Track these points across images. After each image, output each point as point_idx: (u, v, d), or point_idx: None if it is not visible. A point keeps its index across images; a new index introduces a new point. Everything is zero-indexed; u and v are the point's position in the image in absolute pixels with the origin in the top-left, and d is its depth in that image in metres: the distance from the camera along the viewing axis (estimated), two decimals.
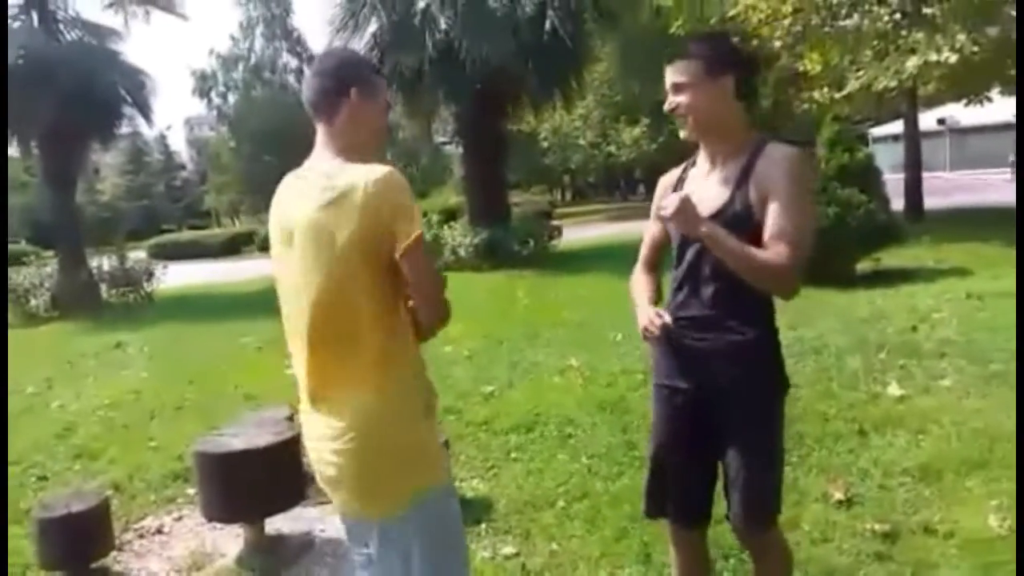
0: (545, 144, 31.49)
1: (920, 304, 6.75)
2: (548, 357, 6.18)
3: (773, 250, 1.82)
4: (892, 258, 8.73)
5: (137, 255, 17.11)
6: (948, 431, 3.76)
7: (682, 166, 2.16)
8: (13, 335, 10.92)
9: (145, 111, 15.14)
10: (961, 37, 9.86)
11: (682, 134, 2.00)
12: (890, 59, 10.86)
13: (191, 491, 3.88)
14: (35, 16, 14.06)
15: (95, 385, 6.93)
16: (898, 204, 11.04)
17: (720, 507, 2.13)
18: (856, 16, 11.99)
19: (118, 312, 12.68)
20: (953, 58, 9.82)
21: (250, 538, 3.27)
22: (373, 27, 13.66)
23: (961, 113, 20.80)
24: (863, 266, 8.52)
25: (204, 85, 40.04)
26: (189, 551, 3.36)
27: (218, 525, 3.48)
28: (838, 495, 3.19)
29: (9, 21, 13.56)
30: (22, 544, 3.45)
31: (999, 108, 14.93)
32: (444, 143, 33.29)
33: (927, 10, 10.99)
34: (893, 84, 10.77)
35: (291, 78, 39.86)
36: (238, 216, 42.31)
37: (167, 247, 29.03)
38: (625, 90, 26.75)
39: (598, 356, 5.91)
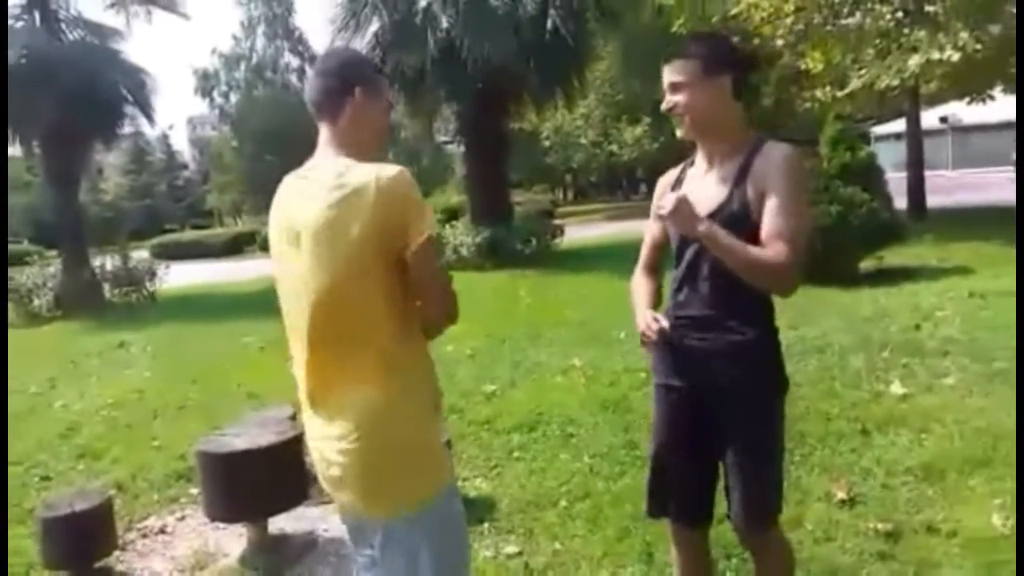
0: (547, 143, 31.47)
1: (923, 303, 6.75)
2: (550, 356, 6.18)
3: (771, 248, 1.82)
4: (895, 257, 8.71)
5: (140, 255, 17.14)
6: (951, 430, 3.76)
7: (680, 166, 2.16)
8: (16, 335, 10.94)
9: (147, 111, 15.16)
10: (963, 35, 9.85)
11: (679, 133, 2.01)
12: (892, 57, 10.85)
13: (194, 491, 3.89)
14: (37, 16, 14.08)
15: (98, 385, 6.94)
16: (901, 203, 11.02)
17: (722, 506, 2.13)
18: (858, 14, 11.97)
19: (121, 312, 12.70)
20: (955, 56, 9.80)
21: (253, 537, 3.28)
22: (375, 26, 13.67)
23: (964, 111, 20.76)
24: (866, 265, 8.51)
25: (206, 84, 40.15)
26: (192, 550, 3.37)
27: (221, 525, 3.49)
28: (841, 494, 3.18)
29: (11, 21, 13.60)
30: (26, 544, 3.46)
31: (1001, 106, 14.88)
32: (446, 142, 33.28)
33: (929, 8, 10.97)
34: (895, 82, 10.76)
35: (293, 77, 39.97)
36: (240, 216, 42.35)
37: (170, 247, 29.03)
38: (627, 89, 26.72)
39: (601, 355, 5.91)
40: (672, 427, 2.10)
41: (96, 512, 3.13)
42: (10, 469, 4.58)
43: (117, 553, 3.36)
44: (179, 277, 15.69)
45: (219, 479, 3.18)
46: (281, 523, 3.42)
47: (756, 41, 13.30)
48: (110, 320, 11.65)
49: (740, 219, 1.88)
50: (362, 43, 13.46)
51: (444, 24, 12.95)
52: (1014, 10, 10.05)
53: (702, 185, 1.99)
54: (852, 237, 7.97)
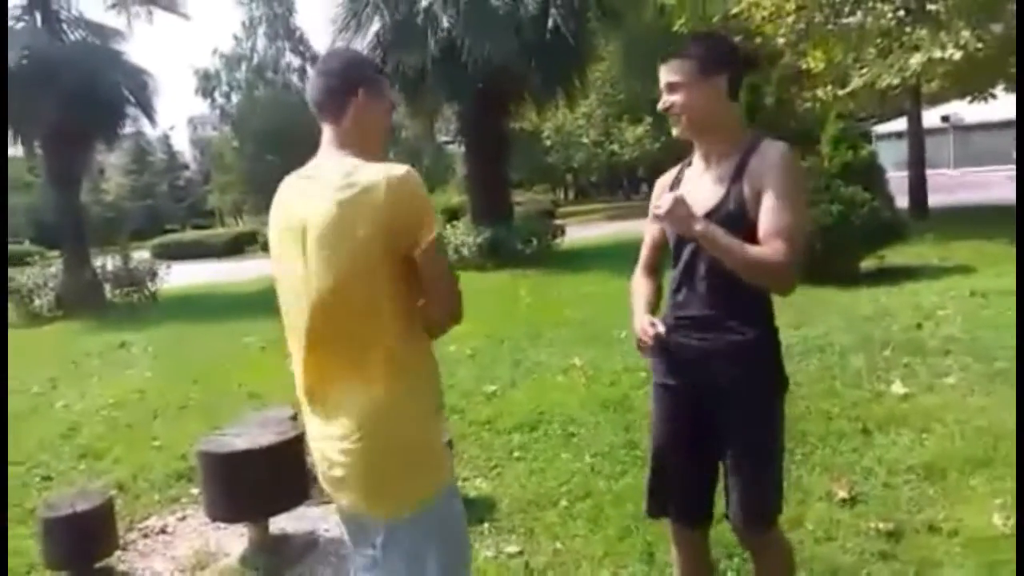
0: (548, 143, 31.46)
1: (924, 302, 6.74)
2: (551, 356, 6.18)
3: (770, 247, 1.82)
4: (896, 256, 8.71)
5: (141, 255, 17.17)
6: (952, 429, 3.76)
7: (678, 166, 2.16)
8: (17, 335, 10.95)
9: (148, 111, 15.18)
10: (965, 34, 9.84)
11: (675, 132, 2.01)
12: (894, 56, 10.84)
13: (195, 491, 3.89)
14: (38, 16, 14.09)
15: (99, 385, 6.95)
16: (902, 202, 11.01)
17: (722, 506, 2.13)
18: (859, 13, 11.96)
19: (122, 312, 12.71)
20: (957, 55, 9.79)
21: (254, 537, 3.28)
22: (376, 26, 13.67)
23: (965, 110, 20.74)
24: (867, 264, 8.50)
25: (207, 85, 40.20)
26: (193, 550, 3.37)
27: (222, 524, 3.49)
28: (842, 494, 3.18)
29: (13, 22, 13.62)
30: (27, 544, 3.47)
31: (1003, 105, 14.85)
32: (447, 142, 33.32)
33: (931, 7, 10.97)
34: (897, 81, 10.75)
35: (294, 77, 40.01)
36: (241, 216, 42.38)
37: (171, 247, 29.06)
38: (628, 89, 26.73)
39: (601, 354, 5.90)
40: (672, 427, 2.10)
41: (97, 512, 3.13)
42: (11, 469, 4.58)
43: (118, 553, 3.36)
44: (180, 277, 15.70)
45: (220, 479, 3.18)
46: (282, 523, 3.42)
47: (757, 40, 13.30)
48: (111, 320, 11.66)
49: (737, 218, 1.88)
50: (363, 43, 13.47)
51: (445, 24, 12.94)
52: (1015, 8, 10.04)
53: (699, 185, 1.99)
54: (853, 236, 7.97)
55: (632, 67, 23.99)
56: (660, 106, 1.98)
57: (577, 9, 13.55)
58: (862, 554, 2.76)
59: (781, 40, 12.80)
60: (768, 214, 1.84)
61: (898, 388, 4.43)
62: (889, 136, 24.56)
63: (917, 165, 15.31)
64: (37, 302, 13.01)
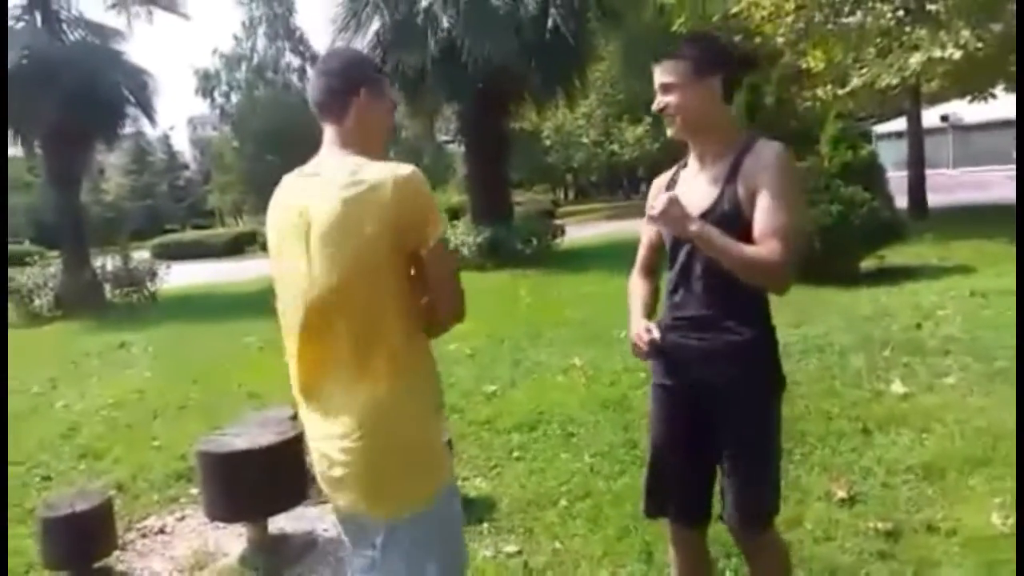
0: (548, 143, 31.48)
1: (924, 302, 6.74)
2: (551, 356, 6.18)
3: (765, 246, 1.82)
4: (896, 256, 8.71)
5: (141, 255, 17.16)
6: (951, 429, 3.76)
7: (674, 168, 2.16)
8: (17, 335, 10.95)
9: (148, 111, 15.18)
10: (965, 33, 9.84)
11: (669, 132, 2.01)
12: (893, 56, 10.84)
13: (194, 491, 3.89)
14: (38, 16, 14.09)
15: (99, 385, 6.95)
16: (902, 201, 11.01)
17: (720, 507, 2.13)
18: (859, 13, 11.97)
19: (122, 312, 12.71)
20: (957, 54, 9.80)
21: (253, 537, 3.28)
22: (375, 26, 13.66)
23: (965, 110, 20.73)
24: (867, 264, 8.50)
25: (207, 85, 40.22)
26: (192, 550, 3.37)
27: (221, 524, 3.49)
28: (841, 493, 3.18)
29: (12, 21, 13.62)
30: (26, 543, 3.47)
31: (1003, 105, 14.85)
32: (447, 142, 33.32)
33: (930, 6, 10.97)
34: (896, 81, 10.75)
35: (294, 77, 40.04)
36: (241, 216, 42.39)
37: (170, 247, 29.06)
38: (628, 89, 26.71)
39: (601, 354, 5.90)
40: (670, 427, 2.10)
41: (96, 512, 3.14)
42: (11, 469, 4.58)
43: (117, 553, 3.36)
44: (180, 277, 15.70)
45: (219, 479, 3.18)
46: (281, 523, 3.42)
47: (757, 40, 13.29)
48: (111, 320, 11.66)
49: (732, 218, 1.88)
50: (363, 43, 13.46)
51: (445, 24, 12.94)
52: (1015, 8, 10.04)
53: (694, 186, 2.00)
54: (853, 236, 7.97)
55: (632, 67, 23.98)
56: (654, 107, 1.98)
57: (577, 9, 13.55)
58: (861, 554, 2.76)
59: (781, 40, 12.80)
60: (763, 214, 1.85)
61: (898, 388, 4.43)
62: (889, 136, 24.56)
63: (917, 165, 15.31)
64: (37, 302, 13.01)
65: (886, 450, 3.62)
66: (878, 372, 4.79)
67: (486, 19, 12.54)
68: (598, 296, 8.68)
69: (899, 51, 10.80)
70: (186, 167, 58.87)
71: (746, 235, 1.85)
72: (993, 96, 13.95)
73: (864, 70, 11.35)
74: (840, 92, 12.11)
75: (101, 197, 44.65)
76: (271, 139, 30.15)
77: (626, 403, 4.67)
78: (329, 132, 1.70)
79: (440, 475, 1.69)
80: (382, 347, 1.59)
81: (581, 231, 18.33)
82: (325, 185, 1.59)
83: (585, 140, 30.65)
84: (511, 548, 3.06)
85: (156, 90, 15.11)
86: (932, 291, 7.17)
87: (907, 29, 11.03)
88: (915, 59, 10.24)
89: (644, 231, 2.22)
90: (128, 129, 16.01)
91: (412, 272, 1.63)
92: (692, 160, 2.07)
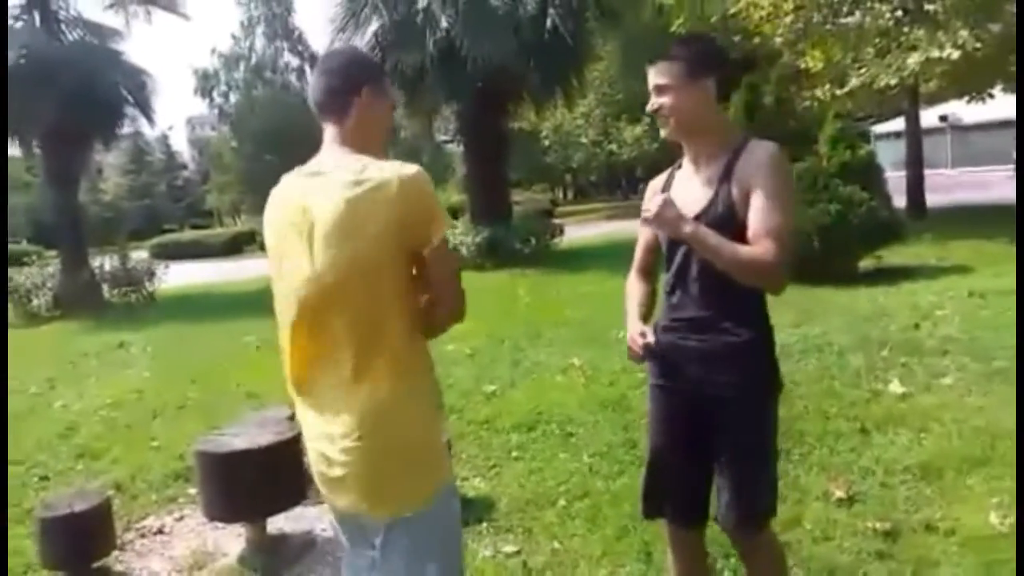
0: (546, 142, 31.47)
1: (922, 302, 6.74)
2: (550, 356, 6.19)
3: (759, 246, 1.82)
4: (894, 256, 8.71)
5: (139, 255, 17.13)
6: (950, 429, 3.76)
7: (669, 170, 2.17)
8: (16, 335, 10.94)
9: (147, 111, 15.17)
10: (963, 33, 9.86)
11: (663, 133, 2.01)
12: (892, 56, 10.86)
13: (192, 491, 3.89)
14: (37, 16, 14.08)
15: (97, 385, 6.94)
16: (900, 201, 11.02)
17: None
18: (858, 13, 11.98)
19: (120, 312, 12.70)
20: (955, 55, 9.81)
21: (252, 537, 3.28)
22: (374, 26, 13.67)
23: (963, 110, 20.75)
24: (865, 264, 8.51)
25: (206, 84, 40.21)
26: (191, 550, 3.36)
27: (220, 525, 3.49)
28: (839, 493, 3.18)
29: (11, 21, 13.60)
30: (24, 544, 3.46)
31: (1001, 105, 14.88)
32: (446, 141, 33.33)
33: (929, 7, 10.98)
34: (895, 81, 10.77)
35: (292, 77, 40.04)
36: (240, 216, 42.37)
37: (169, 247, 29.06)
38: (627, 88, 26.68)
39: (600, 354, 5.90)
40: (667, 427, 2.10)
41: (95, 512, 3.13)
42: (10, 469, 4.58)
43: (115, 553, 3.35)
44: (178, 277, 15.69)
45: (218, 479, 3.17)
46: (279, 523, 3.42)
47: (755, 40, 13.31)
48: (109, 320, 11.65)
49: (726, 219, 1.88)
50: (362, 43, 13.46)
51: (444, 24, 12.94)
52: (1014, 8, 10.05)
53: (688, 187, 2.00)
54: (851, 236, 7.98)
55: (630, 67, 23.94)
56: (649, 108, 1.99)
57: (575, 9, 13.56)
58: (859, 553, 2.76)
59: (779, 40, 12.82)
60: (757, 214, 1.85)
61: (896, 388, 4.44)
62: (887, 136, 24.58)
63: (915, 165, 15.33)
64: (35, 302, 13.00)
65: (884, 450, 3.62)
66: (876, 372, 4.80)
67: (485, 19, 12.55)
68: (597, 296, 8.69)
69: (897, 51, 10.82)
70: (184, 167, 58.83)
71: (740, 236, 1.85)
72: (991, 96, 13.99)
73: (863, 70, 11.37)
74: (838, 92, 12.13)
75: (99, 197, 44.63)
76: (270, 139, 30.11)
77: (625, 403, 4.67)
78: (330, 131, 1.69)
79: (440, 475, 1.69)
80: (384, 348, 1.59)
81: (580, 231, 18.34)
82: (329, 184, 1.58)
83: (584, 140, 30.64)
84: (510, 548, 3.06)
85: (154, 90, 15.14)
86: (930, 291, 7.18)
87: (905, 29, 11.04)
88: (913, 59, 10.26)
89: (641, 233, 2.22)
90: (126, 129, 16.03)
91: (413, 272, 1.63)
92: (686, 161, 2.07)
